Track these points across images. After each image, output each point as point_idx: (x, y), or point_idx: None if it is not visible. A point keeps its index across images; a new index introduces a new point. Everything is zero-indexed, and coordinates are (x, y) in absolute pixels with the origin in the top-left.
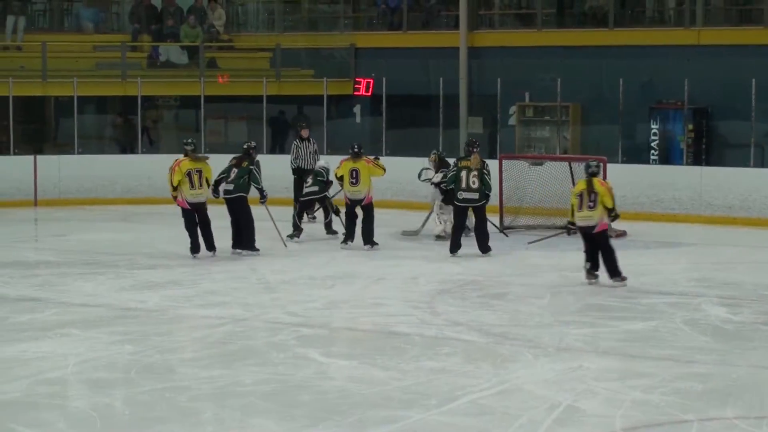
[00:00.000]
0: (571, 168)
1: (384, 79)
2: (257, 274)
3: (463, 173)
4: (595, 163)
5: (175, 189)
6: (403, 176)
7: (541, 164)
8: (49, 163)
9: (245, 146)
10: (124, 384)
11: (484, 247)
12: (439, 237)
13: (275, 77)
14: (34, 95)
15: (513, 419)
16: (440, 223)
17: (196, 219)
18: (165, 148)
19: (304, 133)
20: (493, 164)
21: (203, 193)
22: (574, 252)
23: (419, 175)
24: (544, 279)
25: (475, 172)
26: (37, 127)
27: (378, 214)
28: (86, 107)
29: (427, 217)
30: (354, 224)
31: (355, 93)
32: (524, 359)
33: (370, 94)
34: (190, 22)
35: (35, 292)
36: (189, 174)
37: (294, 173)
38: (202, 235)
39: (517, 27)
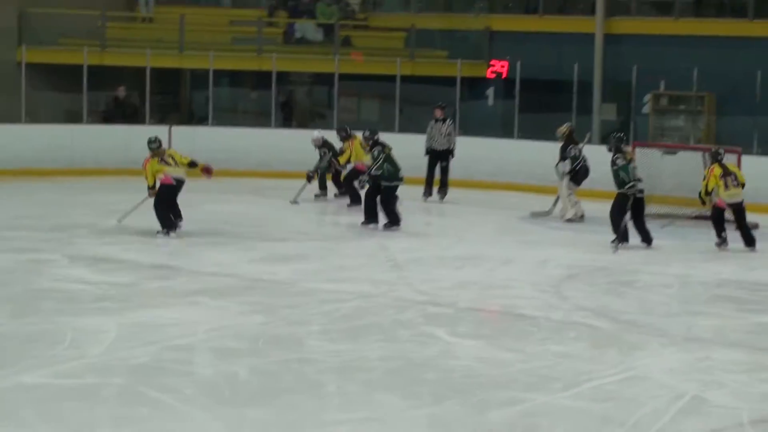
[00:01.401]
0: (704, 158)
1: (518, 63)
2: (387, 252)
3: (632, 165)
4: (721, 149)
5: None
6: (533, 159)
7: (674, 153)
8: (184, 134)
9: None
10: (252, 354)
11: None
12: (569, 220)
13: (409, 57)
14: (171, 67)
15: (637, 407)
16: (572, 206)
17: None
18: (297, 122)
19: (438, 113)
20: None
21: (182, 169)
22: (704, 242)
23: (556, 171)
24: (673, 268)
25: (635, 164)
26: (171, 99)
27: (507, 197)
28: (221, 80)
29: (556, 200)
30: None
31: (489, 76)
32: (651, 347)
33: (504, 77)
34: (326, 0)
35: (167, 260)
36: (164, 161)
37: (426, 153)
38: (172, 209)
39: (654, 15)
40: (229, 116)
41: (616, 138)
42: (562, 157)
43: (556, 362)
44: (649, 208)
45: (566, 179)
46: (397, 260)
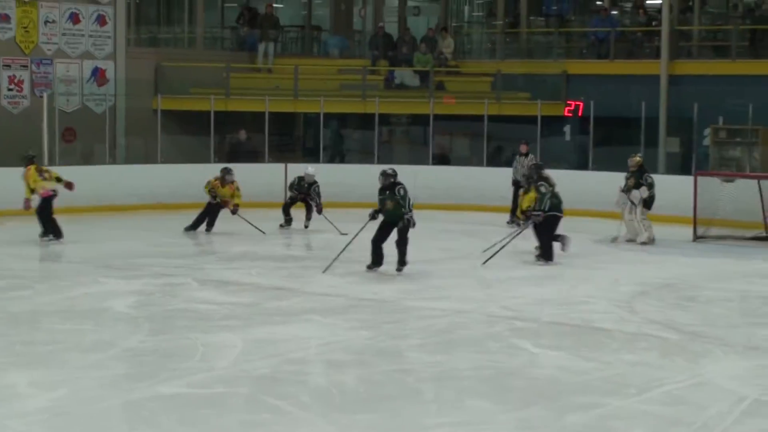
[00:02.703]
0: (759, 185)
1: (592, 102)
2: (476, 273)
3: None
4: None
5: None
6: (607, 188)
7: (732, 181)
8: (298, 170)
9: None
10: (359, 365)
11: None
12: (644, 243)
13: (495, 99)
14: (286, 111)
15: (703, 410)
16: (645, 229)
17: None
18: (397, 159)
19: (523, 148)
20: (688, 180)
21: (53, 183)
22: (760, 261)
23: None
24: (733, 284)
25: (556, 188)
26: (287, 140)
27: (583, 222)
28: (330, 122)
29: (623, 224)
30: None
31: (566, 114)
32: (714, 356)
33: (579, 115)
34: (422, 49)
35: (283, 282)
36: (40, 173)
37: (513, 185)
38: (51, 222)
39: (712, 57)
40: (337, 154)
41: (536, 166)
42: (637, 185)
43: (629, 370)
44: (710, 231)
45: (641, 205)
46: (486, 279)
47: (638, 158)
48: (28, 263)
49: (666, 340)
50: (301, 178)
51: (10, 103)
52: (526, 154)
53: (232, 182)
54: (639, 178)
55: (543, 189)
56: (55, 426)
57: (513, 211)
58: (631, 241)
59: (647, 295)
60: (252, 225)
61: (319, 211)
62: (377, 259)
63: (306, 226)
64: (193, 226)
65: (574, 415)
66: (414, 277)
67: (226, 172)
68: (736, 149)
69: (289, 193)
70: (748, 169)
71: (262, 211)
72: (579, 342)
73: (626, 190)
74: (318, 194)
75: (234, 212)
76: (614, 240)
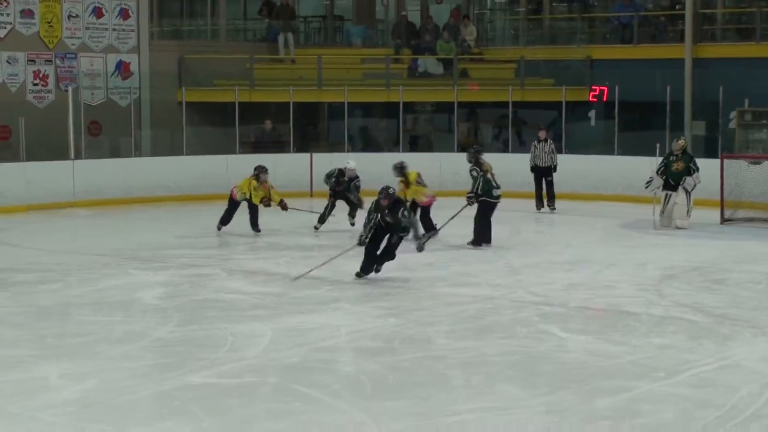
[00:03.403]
0: None
1: (616, 87)
2: (504, 259)
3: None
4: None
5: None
6: (633, 173)
7: (759, 164)
8: (323, 159)
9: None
10: (389, 352)
11: None
12: (680, 227)
13: (519, 85)
14: (310, 101)
15: (733, 392)
16: (688, 215)
17: None
18: (422, 147)
19: (542, 134)
20: (714, 163)
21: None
22: None
23: (647, 185)
24: (761, 267)
25: (492, 173)
26: (312, 129)
27: (609, 207)
28: (354, 111)
29: (663, 209)
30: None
31: (590, 99)
32: (743, 338)
33: (604, 100)
34: (445, 37)
35: (312, 271)
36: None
37: (531, 170)
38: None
39: (737, 40)
40: (363, 143)
41: (475, 150)
42: (687, 169)
43: (658, 353)
44: (737, 213)
45: (693, 190)
46: (514, 266)
47: (683, 141)
48: (57, 256)
49: (694, 323)
50: (341, 172)
51: (35, 97)
52: (546, 140)
53: (265, 181)
54: (688, 162)
55: (474, 173)
56: (84, 417)
57: (539, 197)
58: (666, 226)
59: (675, 278)
60: (305, 210)
61: (361, 206)
62: (368, 264)
63: (352, 224)
64: (224, 222)
65: (603, 399)
66: (441, 264)
67: (261, 170)
68: (762, 131)
69: (328, 188)
70: None
71: (289, 201)
72: (607, 326)
73: (669, 174)
74: (357, 188)
75: (285, 208)
76: (662, 227)
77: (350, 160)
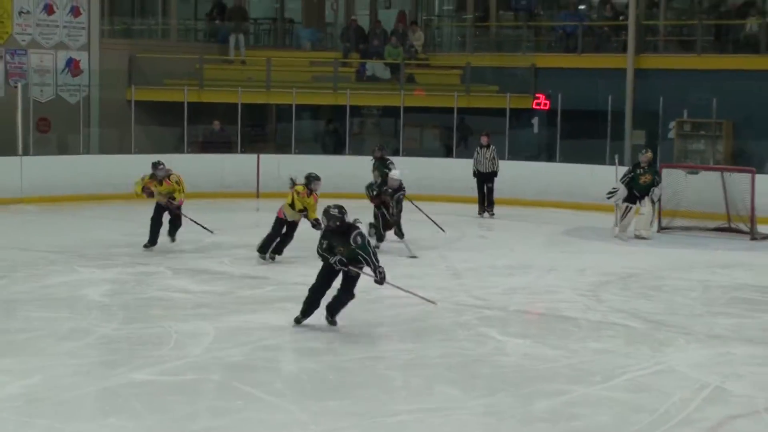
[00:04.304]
0: (722, 178)
1: (559, 96)
2: (447, 262)
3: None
4: None
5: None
6: (574, 180)
7: (696, 173)
8: (270, 161)
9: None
10: (331, 353)
11: None
12: (643, 237)
13: (465, 92)
14: (259, 103)
15: (666, 397)
16: (651, 225)
17: None
18: (368, 150)
19: (484, 140)
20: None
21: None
22: (722, 251)
23: (609, 196)
24: (695, 274)
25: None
26: (260, 131)
27: (551, 213)
28: (302, 114)
29: (622, 219)
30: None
31: (534, 107)
32: (677, 344)
33: (547, 108)
34: (393, 42)
35: (257, 272)
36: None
37: (474, 176)
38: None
39: (678, 52)
40: (310, 145)
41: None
42: (654, 181)
43: (594, 358)
44: (674, 222)
45: (658, 200)
46: (457, 269)
47: (650, 154)
48: (3, 252)
49: (631, 329)
50: (383, 182)
51: None
52: (488, 146)
53: (169, 176)
54: (654, 174)
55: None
56: (28, 413)
57: (481, 202)
58: (639, 236)
59: (613, 284)
60: (199, 224)
61: (395, 223)
62: (309, 308)
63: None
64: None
65: (540, 402)
66: (385, 266)
67: (155, 166)
68: (700, 142)
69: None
70: (712, 162)
71: (235, 201)
72: (545, 330)
73: (636, 186)
74: (399, 201)
75: (177, 209)
76: (624, 238)
77: (395, 170)
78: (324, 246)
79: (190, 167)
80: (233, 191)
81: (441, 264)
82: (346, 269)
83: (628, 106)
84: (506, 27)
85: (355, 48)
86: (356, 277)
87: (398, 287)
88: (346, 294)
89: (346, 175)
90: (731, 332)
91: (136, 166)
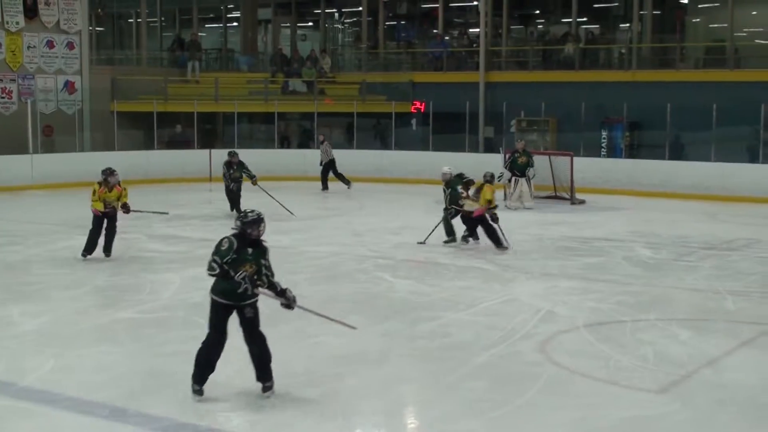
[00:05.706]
0: (550, 159)
1: (431, 102)
2: (350, 226)
3: None
4: (490, 174)
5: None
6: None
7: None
8: (219, 155)
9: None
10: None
11: None
12: (528, 207)
13: (362, 100)
14: (210, 111)
15: (512, 318)
16: (532, 197)
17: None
18: (293, 144)
19: (321, 137)
20: (498, 156)
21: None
22: (551, 214)
23: (499, 178)
24: (531, 230)
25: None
26: (211, 132)
27: (427, 188)
28: (242, 119)
29: (512, 192)
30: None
31: (412, 110)
32: (520, 281)
33: (422, 111)
34: (308, 65)
35: (209, 235)
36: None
37: (320, 164)
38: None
39: (516, 69)
40: (248, 142)
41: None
42: (531, 163)
43: (460, 292)
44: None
45: (532, 177)
46: (358, 230)
47: (523, 142)
48: (20, 225)
49: (486, 271)
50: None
51: (2, 107)
52: (323, 142)
53: (118, 183)
54: (528, 156)
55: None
56: (41, 343)
57: (324, 182)
58: (516, 207)
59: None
60: (150, 212)
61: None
62: (204, 373)
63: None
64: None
65: (422, 325)
66: (304, 229)
67: (109, 173)
68: (533, 134)
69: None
70: (542, 148)
71: (193, 185)
72: (424, 273)
73: (516, 166)
74: (455, 196)
75: (128, 212)
76: (514, 207)
77: (445, 166)
78: (229, 260)
79: (159, 160)
80: (191, 177)
81: (346, 227)
82: (252, 294)
83: (481, 109)
84: (391, 53)
85: (280, 69)
86: (256, 316)
87: (310, 311)
88: (257, 343)
89: (273, 164)
90: (558, 271)
91: (120, 160)
